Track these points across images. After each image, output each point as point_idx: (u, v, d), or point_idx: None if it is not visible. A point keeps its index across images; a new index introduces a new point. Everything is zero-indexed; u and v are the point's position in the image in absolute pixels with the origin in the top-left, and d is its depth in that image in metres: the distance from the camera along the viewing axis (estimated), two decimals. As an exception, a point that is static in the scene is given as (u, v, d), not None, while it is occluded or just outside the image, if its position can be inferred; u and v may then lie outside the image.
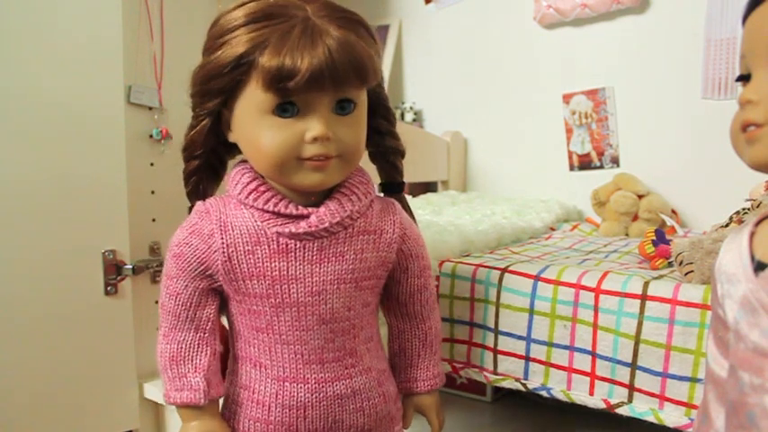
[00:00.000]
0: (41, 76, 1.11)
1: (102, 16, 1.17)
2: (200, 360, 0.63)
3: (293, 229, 0.60)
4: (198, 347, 0.64)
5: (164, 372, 0.64)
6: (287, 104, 0.57)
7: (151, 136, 1.33)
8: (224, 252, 0.60)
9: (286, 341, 0.62)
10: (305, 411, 0.62)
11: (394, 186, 0.73)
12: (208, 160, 0.66)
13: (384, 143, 0.70)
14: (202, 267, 0.62)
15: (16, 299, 1.10)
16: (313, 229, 0.59)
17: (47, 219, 1.13)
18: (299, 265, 0.60)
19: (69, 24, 1.13)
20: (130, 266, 1.25)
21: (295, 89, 0.55)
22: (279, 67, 0.54)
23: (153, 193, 1.35)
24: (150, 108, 1.32)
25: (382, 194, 0.73)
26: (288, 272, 0.60)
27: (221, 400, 0.67)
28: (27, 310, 1.12)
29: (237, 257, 0.60)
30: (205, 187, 0.68)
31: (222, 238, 0.61)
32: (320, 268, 0.60)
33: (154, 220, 1.35)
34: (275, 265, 0.60)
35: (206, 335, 0.64)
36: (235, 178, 0.63)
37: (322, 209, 0.60)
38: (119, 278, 1.23)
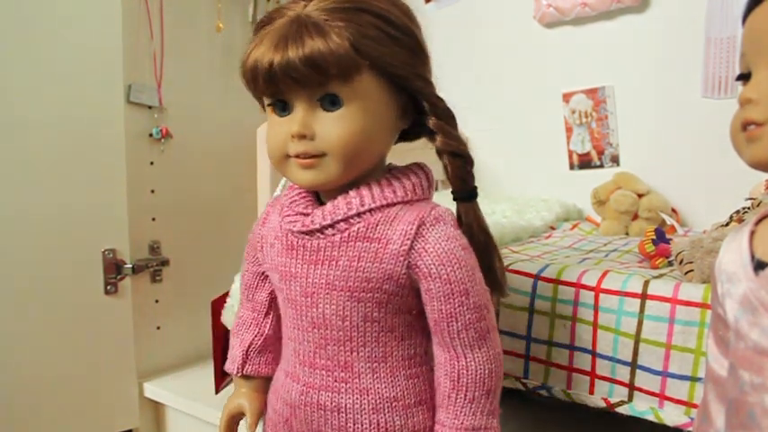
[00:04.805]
0: (41, 76, 1.11)
1: (102, 15, 1.17)
2: (246, 337, 0.70)
3: (292, 227, 0.60)
4: (249, 326, 0.71)
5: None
6: (282, 103, 0.58)
7: (151, 135, 1.33)
8: (259, 242, 0.67)
9: (290, 337, 0.63)
10: (295, 411, 0.62)
11: (456, 193, 0.65)
12: None
13: (436, 144, 0.63)
14: (255, 253, 0.69)
15: (16, 298, 1.10)
16: (305, 228, 0.59)
17: (47, 218, 1.13)
18: (298, 263, 0.60)
19: (69, 24, 1.13)
20: (130, 266, 1.25)
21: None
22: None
23: (153, 192, 1.35)
24: (150, 107, 1.32)
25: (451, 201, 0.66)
26: (289, 268, 0.61)
27: None
28: (27, 310, 1.12)
29: (265, 249, 0.65)
30: None
31: (260, 230, 0.67)
32: (314, 270, 0.59)
33: (154, 219, 1.36)
34: (282, 261, 0.62)
35: (258, 315, 0.71)
36: None
37: (319, 210, 0.59)
38: (119, 277, 1.24)
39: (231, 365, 0.71)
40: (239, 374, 0.70)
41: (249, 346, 0.70)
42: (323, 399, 0.60)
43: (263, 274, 0.70)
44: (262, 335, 0.70)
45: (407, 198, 0.59)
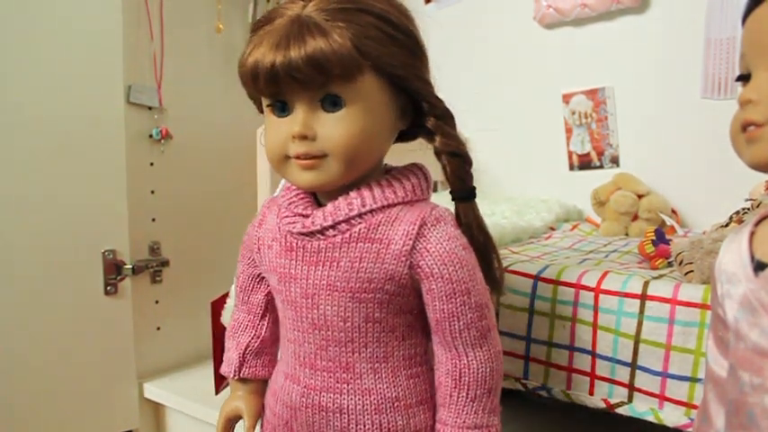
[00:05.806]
0: (41, 76, 1.11)
1: (103, 16, 1.17)
2: (242, 339, 0.70)
3: (291, 228, 0.60)
4: (244, 328, 0.70)
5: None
6: (281, 104, 0.57)
7: (151, 136, 1.33)
8: (256, 244, 0.65)
9: (289, 339, 0.63)
10: (296, 413, 0.62)
11: (455, 193, 0.64)
12: None
13: (433, 144, 0.63)
14: (251, 255, 0.68)
15: (16, 298, 1.10)
16: (305, 229, 0.59)
17: (47, 218, 1.13)
18: (298, 264, 0.60)
19: (69, 24, 1.13)
20: (130, 266, 1.25)
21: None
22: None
23: (153, 192, 1.35)
24: (150, 108, 1.33)
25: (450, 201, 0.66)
26: (289, 270, 0.61)
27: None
28: (27, 310, 1.12)
29: (263, 251, 0.64)
30: None
31: (256, 232, 0.66)
32: (315, 271, 0.59)
33: (154, 219, 1.36)
34: (281, 262, 0.61)
35: (254, 318, 0.70)
36: None
37: (319, 210, 0.59)
38: (119, 278, 1.24)
39: (227, 368, 0.70)
40: (236, 377, 0.70)
41: (246, 349, 0.69)
42: (324, 400, 0.60)
43: (258, 275, 0.69)
44: (258, 337, 0.70)
45: (408, 198, 0.59)
